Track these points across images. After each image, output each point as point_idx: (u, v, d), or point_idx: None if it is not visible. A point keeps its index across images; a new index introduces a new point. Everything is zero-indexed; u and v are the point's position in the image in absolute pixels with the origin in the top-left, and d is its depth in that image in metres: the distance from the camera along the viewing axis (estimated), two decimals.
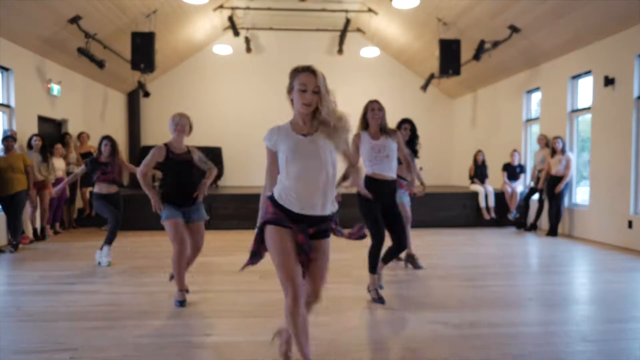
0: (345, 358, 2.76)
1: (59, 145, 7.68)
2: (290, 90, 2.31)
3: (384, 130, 3.95)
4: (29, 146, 7.05)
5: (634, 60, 6.24)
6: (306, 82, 2.24)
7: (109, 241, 5.38)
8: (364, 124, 3.98)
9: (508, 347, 2.90)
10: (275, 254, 2.22)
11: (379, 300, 3.86)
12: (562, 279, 4.88)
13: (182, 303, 3.77)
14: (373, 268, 3.95)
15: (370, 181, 3.88)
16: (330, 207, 2.32)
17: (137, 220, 7.98)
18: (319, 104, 2.25)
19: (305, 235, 2.25)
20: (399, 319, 3.51)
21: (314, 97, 2.24)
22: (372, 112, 3.90)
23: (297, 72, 2.29)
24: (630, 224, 6.31)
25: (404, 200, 5.16)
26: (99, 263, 5.32)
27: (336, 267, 4.90)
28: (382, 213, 3.86)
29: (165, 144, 3.90)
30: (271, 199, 2.29)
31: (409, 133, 5.20)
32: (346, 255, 5.61)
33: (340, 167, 2.49)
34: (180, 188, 3.88)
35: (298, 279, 2.21)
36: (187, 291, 3.90)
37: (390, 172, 3.92)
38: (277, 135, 2.31)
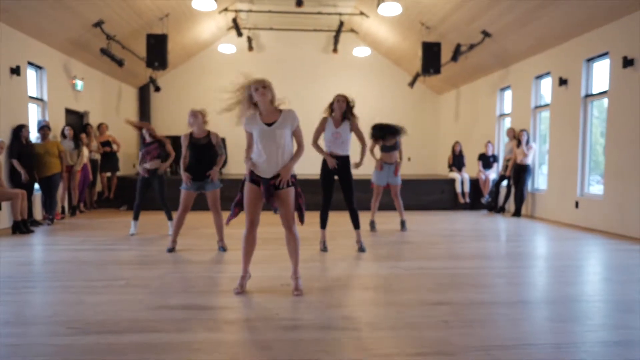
0: (319, 281, 3.82)
1: (83, 135, 8.71)
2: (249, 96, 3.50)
3: (344, 117, 5.16)
4: (62, 135, 8.10)
5: (582, 64, 7.28)
6: (258, 84, 3.45)
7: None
8: (330, 111, 5.20)
9: (448, 277, 3.97)
10: (246, 199, 3.49)
11: (324, 249, 5.24)
12: (516, 244, 5.95)
13: (170, 250, 5.15)
14: (322, 224, 5.30)
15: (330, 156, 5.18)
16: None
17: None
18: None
19: (265, 187, 3.42)
20: (366, 265, 4.58)
21: (265, 91, 3.42)
22: (338, 103, 5.13)
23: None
24: (577, 204, 7.38)
25: (397, 181, 6.72)
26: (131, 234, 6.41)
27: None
28: (334, 181, 5.20)
29: (190, 132, 5.13)
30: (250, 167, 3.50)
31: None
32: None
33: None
34: (198, 165, 5.10)
35: (254, 215, 3.49)
36: (173, 249, 5.21)
37: (344, 151, 5.17)
38: (251, 122, 3.49)
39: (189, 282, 3.92)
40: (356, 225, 5.25)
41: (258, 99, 3.40)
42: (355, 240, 5.34)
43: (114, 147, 9.83)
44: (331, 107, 5.20)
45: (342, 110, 5.12)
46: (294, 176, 3.54)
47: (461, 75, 11.32)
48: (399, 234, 6.55)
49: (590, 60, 7.24)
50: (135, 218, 6.42)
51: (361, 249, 5.23)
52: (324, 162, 5.14)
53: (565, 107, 7.71)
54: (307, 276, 4.03)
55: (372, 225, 6.86)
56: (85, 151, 8.62)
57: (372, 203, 6.92)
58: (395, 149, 6.71)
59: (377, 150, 6.83)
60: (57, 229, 6.83)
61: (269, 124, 3.42)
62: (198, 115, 5.15)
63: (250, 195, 3.46)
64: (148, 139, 6.38)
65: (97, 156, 9.42)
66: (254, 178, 3.46)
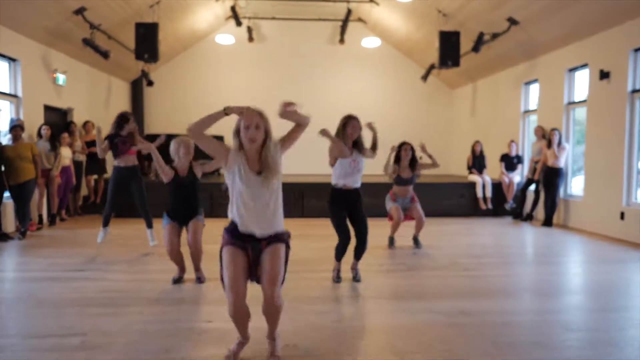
0: (340, 346, 2.95)
1: (65, 134, 7.84)
2: (236, 131, 2.52)
3: (356, 143, 4.23)
4: (39, 135, 7.23)
5: (629, 55, 6.34)
6: (249, 120, 2.44)
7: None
8: (342, 135, 4.21)
9: (499, 336, 3.08)
10: (228, 269, 2.52)
11: (338, 280, 4.33)
12: (555, 269, 5.06)
13: (175, 280, 4.28)
14: (339, 257, 4.34)
15: (339, 192, 4.21)
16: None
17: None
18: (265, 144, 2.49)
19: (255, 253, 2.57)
20: (390, 308, 3.70)
21: (257, 132, 2.45)
22: (353, 128, 4.15)
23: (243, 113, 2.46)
24: (622, 215, 6.47)
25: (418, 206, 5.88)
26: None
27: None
28: (348, 217, 4.23)
29: (173, 167, 4.21)
30: None
31: (409, 154, 5.73)
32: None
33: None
34: (184, 203, 4.25)
35: (240, 292, 2.50)
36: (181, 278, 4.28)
37: (357, 183, 4.24)
38: (235, 158, 2.49)
39: (163, 339, 3.05)
40: (358, 257, 4.36)
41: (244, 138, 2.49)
42: (350, 267, 4.43)
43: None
44: (344, 129, 4.22)
45: (356, 135, 4.22)
46: (288, 234, 2.65)
47: (479, 68, 10.37)
48: (416, 254, 5.66)
49: (638, 50, 6.30)
50: (105, 225, 5.62)
51: (356, 279, 4.36)
52: (334, 197, 4.20)
53: (607, 103, 6.78)
54: (315, 325, 3.16)
55: (391, 241, 6.00)
56: (66, 152, 7.76)
57: (392, 230, 5.95)
58: (411, 183, 5.84)
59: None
60: (27, 245, 5.97)
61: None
62: (189, 151, 4.21)
63: (236, 265, 2.49)
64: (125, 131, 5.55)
65: (82, 157, 8.56)
66: (238, 235, 2.52)
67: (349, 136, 4.17)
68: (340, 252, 4.30)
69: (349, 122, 4.19)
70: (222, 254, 2.54)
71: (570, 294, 4.12)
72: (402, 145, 5.81)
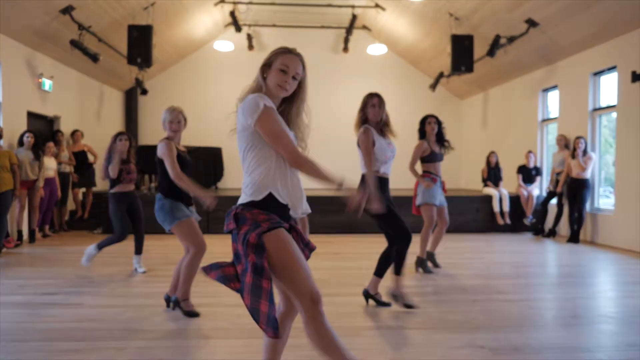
0: None
1: (51, 144, 7.23)
2: (266, 65, 1.99)
3: (383, 125, 3.61)
4: (20, 143, 6.61)
5: None
6: (289, 64, 1.94)
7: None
8: (363, 118, 3.59)
9: None
10: (293, 254, 1.87)
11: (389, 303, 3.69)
12: (596, 290, 4.42)
13: (192, 313, 3.42)
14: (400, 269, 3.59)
15: (380, 181, 3.54)
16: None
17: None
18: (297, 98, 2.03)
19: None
20: (426, 340, 3.05)
21: (293, 83, 1.97)
22: (373, 108, 3.55)
23: (283, 52, 1.98)
24: None
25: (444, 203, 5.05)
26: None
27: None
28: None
29: (169, 139, 3.47)
30: None
31: (435, 127, 4.96)
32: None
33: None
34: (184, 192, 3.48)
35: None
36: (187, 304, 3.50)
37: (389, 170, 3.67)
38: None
39: None
40: (398, 269, 3.62)
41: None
42: (390, 291, 3.66)
43: (90, 158, 8.36)
44: (364, 111, 3.61)
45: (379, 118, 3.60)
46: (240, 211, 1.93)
47: (491, 76, 9.86)
48: (441, 276, 5.03)
49: None
50: (138, 252, 5.06)
51: (406, 304, 3.60)
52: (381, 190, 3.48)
53: (639, 108, 6.22)
54: None
55: (431, 257, 5.20)
56: (51, 163, 7.14)
57: (423, 234, 4.93)
58: (442, 159, 5.15)
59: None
60: (0, 264, 5.31)
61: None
62: (182, 119, 3.56)
63: (298, 250, 1.89)
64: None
65: (69, 169, 7.93)
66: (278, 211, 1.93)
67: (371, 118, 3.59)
68: (403, 260, 3.57)
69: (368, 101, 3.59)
70: (268, 239, 1.81)
71: (623, 324, 3.48)
72: (426, 119, 5.00)
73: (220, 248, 6.23)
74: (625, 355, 2.78)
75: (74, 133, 8.30)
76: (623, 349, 2.90)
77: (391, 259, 3.61)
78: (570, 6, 6.49)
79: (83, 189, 8.37)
